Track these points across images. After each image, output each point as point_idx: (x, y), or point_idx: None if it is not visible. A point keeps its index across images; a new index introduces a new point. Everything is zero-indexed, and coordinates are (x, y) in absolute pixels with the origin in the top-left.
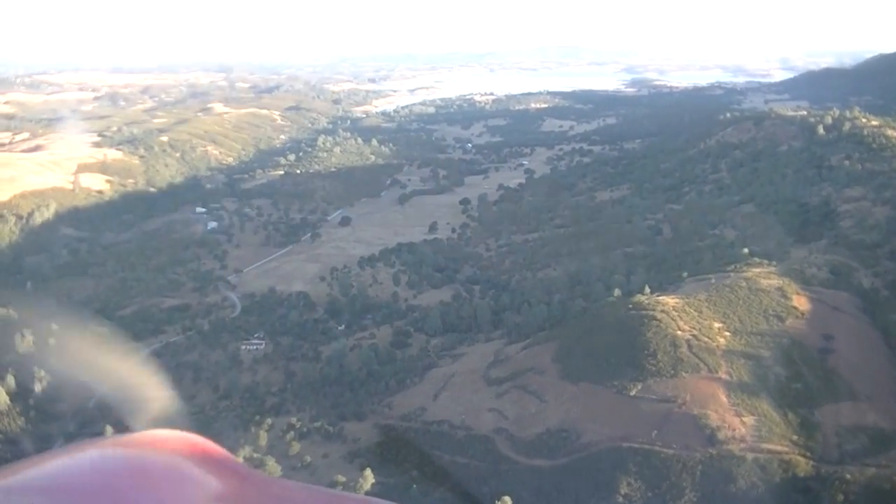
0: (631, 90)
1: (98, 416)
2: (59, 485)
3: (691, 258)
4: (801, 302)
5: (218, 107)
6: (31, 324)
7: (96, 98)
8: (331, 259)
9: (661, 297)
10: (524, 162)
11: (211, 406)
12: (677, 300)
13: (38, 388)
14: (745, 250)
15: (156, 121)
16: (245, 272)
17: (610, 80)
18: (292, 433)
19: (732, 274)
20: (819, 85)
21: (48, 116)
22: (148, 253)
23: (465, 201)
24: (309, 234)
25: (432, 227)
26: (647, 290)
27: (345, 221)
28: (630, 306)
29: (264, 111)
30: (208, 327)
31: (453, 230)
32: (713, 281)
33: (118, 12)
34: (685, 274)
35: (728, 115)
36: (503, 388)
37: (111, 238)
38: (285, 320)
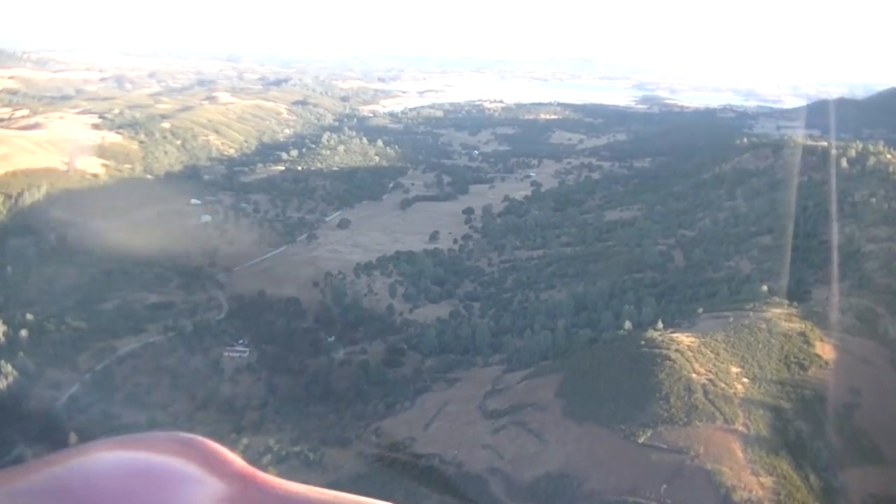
0: (642, 107)
1: (64, 420)
2: (62, 487)
3: (704, 290)
4: (825, 350)
5: (224, 96)
6: (4, 312)
7: (102, 79)
8: (326, 263)
9: (675, 335)
10: (531, 174)
11: (186, 417)
12: (693, 339)
13: (1, 384)
14: (765, 287)
15: (159, 106)
16: (236, 271)
17: (621, 96)
18: (269, 456)
19: (751, 313)
20: (831, 114)
21: (52, 94)
22: (136, 243)
23: (468, 211)
24: (305, 235)
25: (433, 237)
26: (660, 324)
27: (343, 224)
28: (642, 342)
29: (270, 104)
30: (191, 329)
31: (455, 241)
32: (731, 320)
33: None
34: (700, 310)
35: (745, 140)
36: (500, 423)
37: (102, 225)
38: (273, 327)
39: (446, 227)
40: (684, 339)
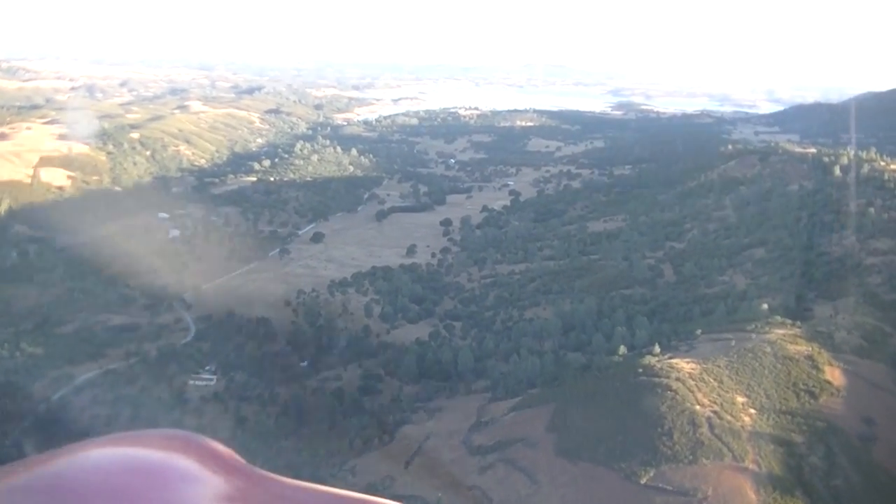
0: (618, 113)
1: (15, 458)
2: (61, 485)
3: (699, 308)
4: (834, 375)
5: (195, 105)
6: None
7: (73, 88)
8: (299, 280)
9: (674, 360)
10: (509, 182)
11: None
12: (693, 365)
13: None
14: (765, 306)
15: (129, 116)
16: (204, 289)
17: (596, 102)
18: None
19: (754, 335)
20: (808, 119)
21: (21, 104)
22: (101, 261)
23: (446, 222)
24: (278, 250)
25: (410, 250)
26: (657, 348)
27: (317, 237)
28: (639, 370)
29: (243, 112)
30: (155, 354)
31: (433, 255)
32: (733, 343)
33: (105, 4)
34: (699, 331)
35: (729, 147)
36: (487, 461)
37: (66, 240)
38: (242, 351)
39: (424, 240)
40: (684, 365)
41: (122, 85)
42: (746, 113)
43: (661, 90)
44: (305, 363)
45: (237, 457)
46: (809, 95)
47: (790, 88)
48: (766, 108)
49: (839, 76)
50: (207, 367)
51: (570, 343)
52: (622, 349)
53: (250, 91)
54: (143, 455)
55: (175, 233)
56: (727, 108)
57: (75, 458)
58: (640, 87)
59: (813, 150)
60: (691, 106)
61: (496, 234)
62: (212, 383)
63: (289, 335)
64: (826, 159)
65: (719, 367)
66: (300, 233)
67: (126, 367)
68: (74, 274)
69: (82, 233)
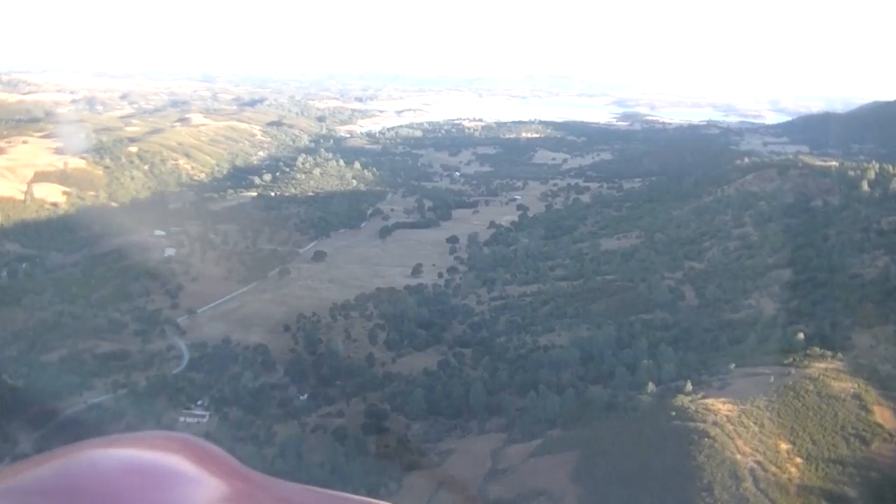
0: (623, 124)
1: None
2: (58, 486)
3: (726, 335)
4: (884, 416)
5: (196, 117)
6: None
7: (73, 101)
8: (299, 302)
9: (708, 401)
10: (516, 196)
11: None
12: (731, 406)
13: None
14: (800, 335)
15: (128, 129)
16: (199, 313)
17: (601, 113)
18: None
19: (792, 369)
20: (816, 129)
21: (20, 117)
22: (93, 282)
23: (452, 239)
24: (277, 269)
25: (416, 270)
26: (689, 385)
27: (319, 256)
28: (672, 413)
29: (244, 125)
30: (145, 385)
31: (440, 275)
32: (771, 379)
33: (107, 16)
34: (732, 365)
35: (746, 160)
36: None
37: (58, 259)
38: (237, 383)
39: (429, 258)
40: (721, 406)
41: (123, 97)
42: (752, 123)
43: (665, 100)
44: (305, 396)
45: (235, 460)
46: (814, 105)
47: (794, 98)
48: (771, 118)
49: (842, 86)
50: (200, 402)
51: (589, 375)
52: (650, 387)
53: (252, 103)
54: (141, 456)
55: (171, 252)
56: (732, 119)
57: (74, 459)
58: (644, 98)
59: (834, 163)
60: (696, 116)
61: (505, 252)
62: (204, 420)
63: (288, 364)
64: (851, 173)
65: (759, 408)
66: (301, 251)
67: (113, 401)
68: (64, 296)
69: (75, 251)
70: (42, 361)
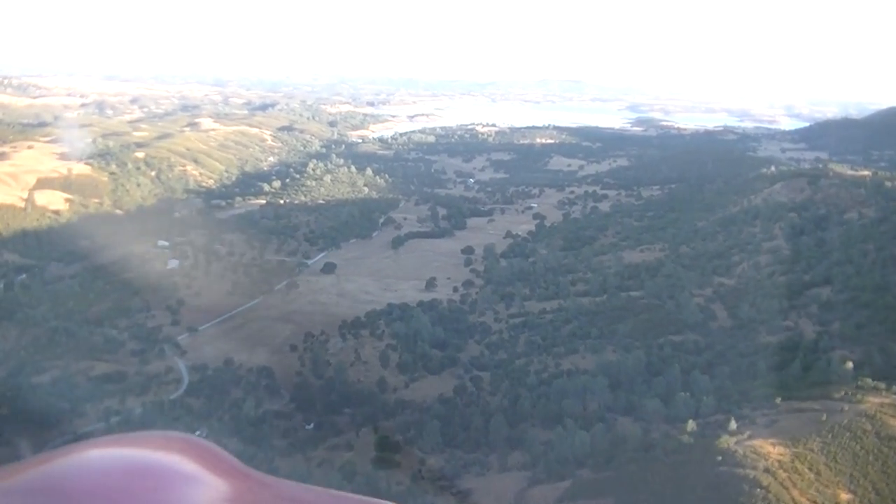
0: (638, 129)
1: None
2: (60, 486)
3: (764, 361)
4: None
5: (206, 122)
6: None
7: (83, 105)
8: (307, 319)
9: (756, 442)
10: (533, 204)
11: None
12: (782, 450)
13: None
14: (850, 364)
15: (136, 133)
16: (201, 330)
17: (614, 118)
18: None
19: (845, 405)
20: (834, 135)
21: (29, 121)
22: (91, 296)
23: (468, 250)
24: (285, 283)
25: (430, 284)
26: (733, 423)
27: (328, 268)
28: (719, 457)
29: (255, 130)
30: (140, 412)
31: (455, 289)
32: (824, 417)
33: (120, 20)
34: (778, 399)
35: (773, 168)
36: None
37: (58, 270)
38: (239, 411)
39: (444, 271)
40: (771, 449)
41: (134, 101)
42: (768, 129)
43: (679, 105)
44: (311, 426)
45: (235, 459)
46: (828, 111)
47: (808, 103)
48: (786, 123)
49: (856, 91)
50: (198, 432)
51: (619, 405)
52: (690, 424)
53: (263, 107)
54: (142, 456)
55: (174, 263)
56: (748, 124)
57: (75, 459)
58: (657, 103)
59: (866, 172)
60: (711, 122)
61: (523, 264)
62: None
63: (294, 389)
64: (888, 184)
65: (813, 451)
66: (310, 262)
67: (104, 430)
68: (60, 311)
69: (75, 262)
70: (32, 384)
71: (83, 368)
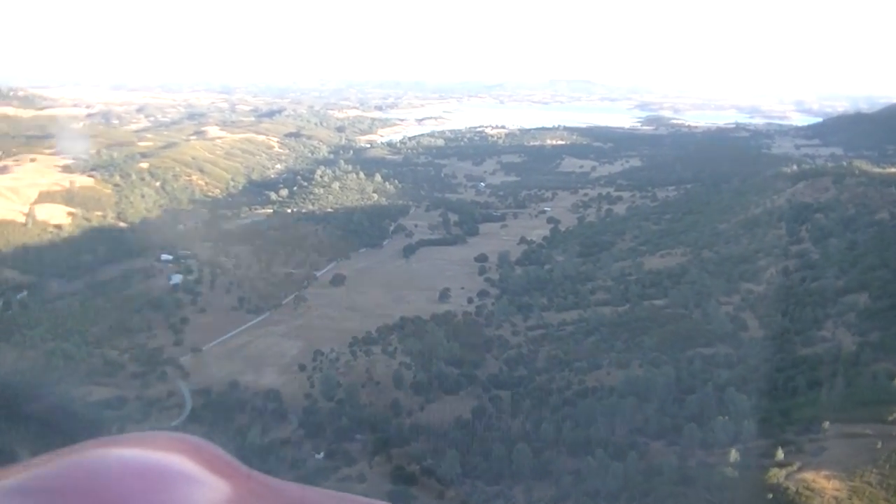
0: (648, 128)
1: None
2: (61, 486)
3: (803, 376)
4: None
5: (213, 130)
6: None
7: (89, 115)
8: (316, 335)
9: (808, 475)
10: (546, 208)
11: None
12: (837, 483)
13: None
14: None
15: (141, 143)
16: (205, 350)
17: (624, 117)
18: None
19: None
20: (847, 130)
21: (34, 133)
22: (91, 315)
23: (481, 258)
24: (293, 297)
25: (443, 295)
26: (780, 453)
27: (337, 280)
28: (769, 495)
29: (261, 137)
30: None
31: (469, 300)
32: (879, 445)
33: (127, 30)
34: (826, 423)
35: (795, 167)
36: None
37: (58, 287)
38: (244, 439)
39: (457, 280)
40: (825, 483)
41: (140, 111)
42: (780, 125)
43: (688, 103)
44: (321, 455)
45: (236, 460)
46: (839, 105)
47: (818, 98)
48: (797, 119)
49: (865, 85)
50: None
51: (650, 427)
52: (734, 454)
53: (270, 114)
54: (144, 457)
55: (177, 279)
56: (759, 121)
57: (78, 459)
58: (667, 101)
59: (894, 169)
60: (721, 119)
61: (539, 272)
62: None
63: (302, 413)
64: None
65: (871, 485)
66: (319, 274)
67: None
68: (58, 332)
69: (77, 278)
70: (24, 412)
71: (81, 395)
